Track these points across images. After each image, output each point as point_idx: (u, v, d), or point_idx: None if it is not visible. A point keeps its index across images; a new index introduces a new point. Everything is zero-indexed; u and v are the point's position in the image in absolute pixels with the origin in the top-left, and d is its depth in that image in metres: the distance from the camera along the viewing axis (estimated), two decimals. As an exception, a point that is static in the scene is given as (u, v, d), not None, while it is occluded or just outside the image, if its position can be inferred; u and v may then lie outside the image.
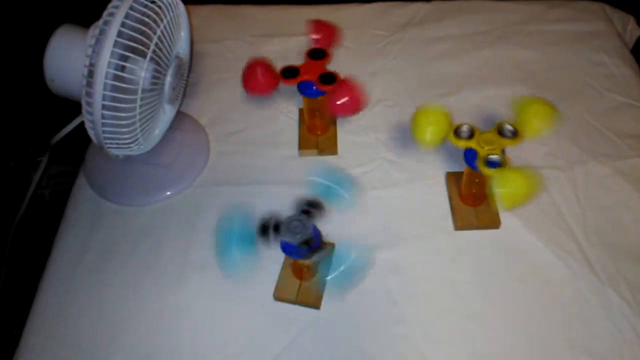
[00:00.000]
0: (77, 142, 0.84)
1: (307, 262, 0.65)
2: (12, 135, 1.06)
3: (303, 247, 0.61)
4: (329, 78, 0.79)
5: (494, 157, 0.68)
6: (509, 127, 0.70)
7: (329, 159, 0.84)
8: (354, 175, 0.81)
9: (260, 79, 0.83)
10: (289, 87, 0.83)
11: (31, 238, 1.01)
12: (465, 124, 0.71)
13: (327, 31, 0.86)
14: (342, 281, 0.63)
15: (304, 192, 0.64)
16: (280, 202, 0.65)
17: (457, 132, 0.71)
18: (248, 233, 0.61)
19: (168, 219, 0.78)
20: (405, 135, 0.85)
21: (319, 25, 0.86)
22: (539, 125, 0.72)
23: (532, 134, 0.71)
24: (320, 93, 0.80)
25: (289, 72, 0.80)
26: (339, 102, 0.79)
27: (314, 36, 0.85)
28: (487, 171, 0.67)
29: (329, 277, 0.62)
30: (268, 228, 0.61)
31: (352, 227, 0.74)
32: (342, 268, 0.62)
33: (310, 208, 0.62)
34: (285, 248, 0.62)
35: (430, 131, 0.72)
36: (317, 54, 0.82)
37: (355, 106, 0.81)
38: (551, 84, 0.91)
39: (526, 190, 0.66)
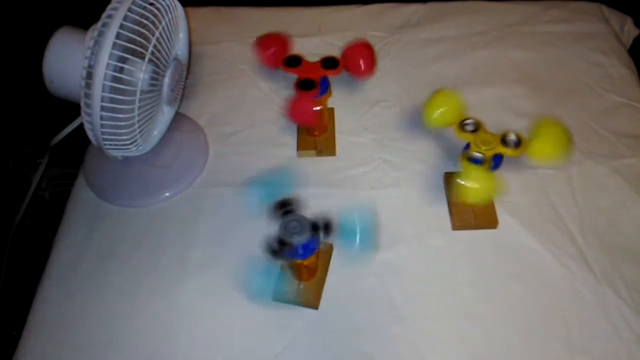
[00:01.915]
0: (76, 143, 0.84)
1: (306, 261, 0.65)
2: (12, 137, 1.06)
3: (316, 235, 0.62)
4: (332, 63, 0.80)
5: (478, 155, 0.69)
6: (514, 138, 0.71)
7: (327, 159, 0.84)
8: (352, 175, 0.81)
9: (268, 55, 0.86)
10: (288, 88, 0.84)
11: (31, 239, 1.01)
12: (473, 118, 0.72)
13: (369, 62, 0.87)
14: (366, 240, 0.64)
15: (316, 197, 0.68)
16: (265, 210, 0.65)
17: (462, 124, 0.71)
18: (268, 268, 0.65)
19: (167, 220, 0.78)
20: (404, 136, 0.85)
21: (367, 52, 0.87)
22: (553, 152, 0.74)
23: (544, 158, 0.74)
24: (318, 95, 0.80)
25: (291, 61, 0.81)
26: (362, 67, 0.84)
27: (360, 60, 0.86)
28: (463, 163, 0.70)
29: (356, 244, 0.63)
30: (276, 249, 0.62)
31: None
32: (358, 232, 0.63)
33: (287, 207, 0.63)
34: (303, 250, 0.62)
35: (440, 111, 0.75)
36: (330, 63, 0.83)
37: (373, 62, 0.86)
38: (548, 84, 0.91)
39: (482, 190, 0.70)
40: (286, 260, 0.63)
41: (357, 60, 0.85)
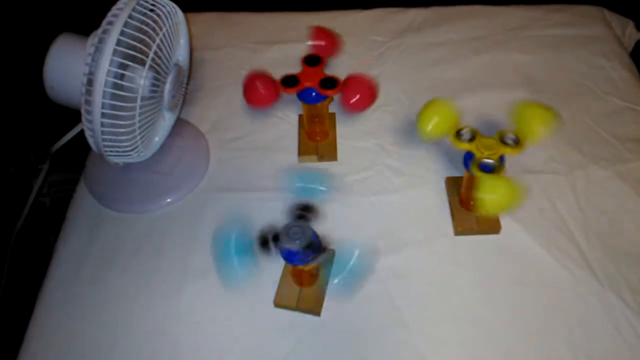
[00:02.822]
0: (77, 149, 0.84)
1: (307, 267, 0.65)
2: (13, 143, 1.06)
3: (307, 251, 0.60)
4: (331, 82, 0.79)
5: (489, 161, 0.68)
6: (512, 136, 0.70)
7: (328, 165, 0.84)
8: (353, 180, 0.81)
9: (261, 92, 0.84)
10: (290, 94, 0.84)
11: (32, 245, 1.01)
12: (468, 126, 0.71)
13: (329, 39, 0.86)
14: (349, 282, 0.63)
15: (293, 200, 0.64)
16: (281, 208, 0.64)
17: (458, 134, 0.71)
18: (246, 243, 0.61)
19: (168, 226, 0.78)
20: (405, 140, 0.85)
21: (321, 32, 0.86)
22: (539, 129, 0.72)
23: (533, 139, 0.71)
24: (319, 99, 0.80)
25: (289, 81, 0.80)
26: (352, 101, 0.81)
27: (316, 43, 0.85)
28: (477, 173, 0.68)
29: (335, 280, 0.62)
30: (267, 240, 0.61)
31: (352, 232, 0.74)
32: (347, 269, 0.62)
33: (303, 212, 0.62)
34: (288, 255, 0.62)
35: (433, 122, 0.73)
36: (313, 60, 0.82)
37: (368, 100, 0.84)
38: (550, 88, 0.91)
39: (505, 199, 0.67)
40: (270, 255, 0.61)
41: (321, 45, 0.85)
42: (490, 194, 0.66)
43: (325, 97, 0.80)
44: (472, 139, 0.70)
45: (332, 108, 0.89)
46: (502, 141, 0.70)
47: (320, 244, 0.63)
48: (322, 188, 0.66)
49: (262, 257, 0.61)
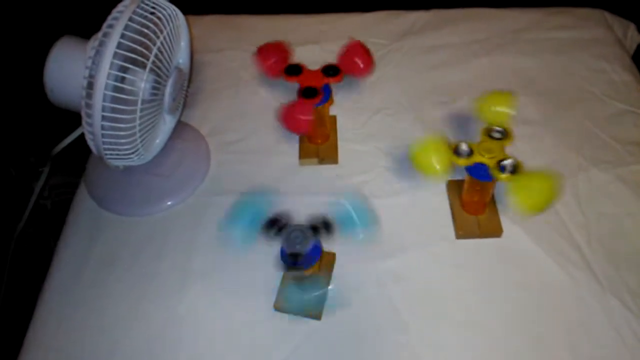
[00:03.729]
0: (78, 152, 0.84)
1: (307, 272, 0.65)
2: (14, 146, 1.06)
3: (290, 258, 0.61)
4: (311, 93, 0.79)
5: (507, 162, 0.68)
6: (497, 128, 0.71)
7: (329, 167, 0.84)
8: (356, 185, 0.81)
9: (270, 65, 0.85)
10: (290, 97, 0.83)
11: (33, 248, 1.01)
12: (462, 142, 0.71)
13: (367, 61, 0.87)
14: (366, 223, 0.63)
15: (318, 205, 0.64)
16: (281, 211, 0.64)
17: (457, 152, 0.70)
18: (257, 221, 0.61)
19: (169, 228, 0.78)
20: (406, 143, 0.85)
21: (361, 50, 0.86)
22: (503, 110, 0.73)
23: (498, 120, 0.72)
24: (320, 102, 0.80)
25: (292, 70, 0.80)
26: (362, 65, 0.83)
27: (356, 61, 0.85)
28: (503, 177, 0.67)
29: (360, 235, 0.62)
30: (274, 225, 0.61)
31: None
32: (355, 222, 0.62)
33: (321, 226, 0.62)
34: (311, 255, 0.62)
35: (436, 161, 0.71)
36: (331, 71, 0.82)
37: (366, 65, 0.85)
38: (551, 92, 0.91)
39: (545, 192, 0.67)
40: (301, 270, 0.62)
41: (354, 60, 0.85)
42: (522, 194, 0.66)
43: (326, 100, 0.80)
44: (471, 152, 0.70)
45: (333, 110, 0.89)
46: (490, 137, 0.70)
47: (319, 226, 0.62)
48: (359, 226, 0.63)
49: (261, 236, 0.62)
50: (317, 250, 0.63)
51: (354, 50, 0.85)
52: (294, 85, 0.82)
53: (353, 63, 0.85)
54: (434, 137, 0.72)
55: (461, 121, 0.87)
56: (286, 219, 0.62)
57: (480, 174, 0.69)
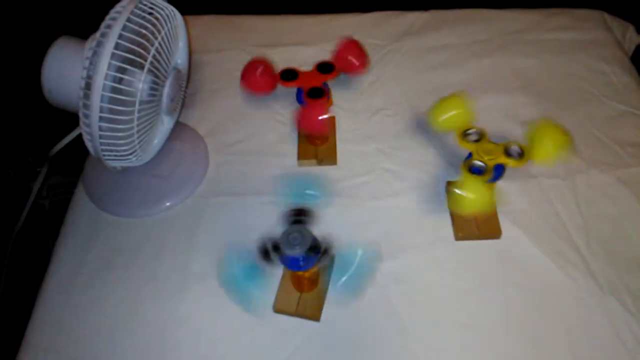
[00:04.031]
0: (77, 152, 0.84)
1: (307, 273, 0.65)
2: (12, 146, 1.06)
3: (309, 256, 0.60)
4: (317, 92, 0.79)
5: (480, 164, 0.69)
6: (517, 149, 0.71)
7: (328, 168, 0.83)
8: (353, 184, 0.81)
9: (259, 78, 0.85)
10: (289, 98, 0.83)
11: (31, 248, 1.00)
12: (476, 127, 0.71)
13: (360, 57, 0.87)
14: (353, 284, 0.63)
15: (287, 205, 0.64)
16: (280, 212, 0.64)
17: (465, 134, 0.71)
18: (252, 266, 0.61)
19: (167, 230, 0.78)
20: (406, 144, 0.85)
21: (353, 47, 0.87)
22: (550, 150, 0.72)
23: (542, 159, 0.72)
24: (306, 103, 0.80)
25: (288, 75, 0.80)
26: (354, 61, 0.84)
27: (350, 59, 0.86)
28: (464, 172, 0.69)
29: (341, 281, 0.62)
30: (268, 250, 0.61)
31: (352, 237, 0.74)
32: (351, 270, 0.61)
33: (299, 216, 0.62)
34: (291, 262, 0.61)
35: (447, 116, 0.74)
36: (326, 68, 0.82)
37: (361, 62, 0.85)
38: (551, 93, 0.91)
39: (477, 202, 0.69)
40: (273, 265, 0.61)
41: (348, 58, 0.85)
42: (466, 191, 0.68)
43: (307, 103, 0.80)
44: (477, 140, 0.70)
45: (332, 111, 0.88)
46: (507, 152, 0.70)
47: (321, 247, 0.62)
48: (314, 192, 0.65)
49: (266, 267, 0.61)
50: (305, 263, 0.62)
51: (347, 48, 0.85)
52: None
53: (347, 61, 0.85)
54: (465, 100, 0.76)
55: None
56: (272, 240, 0.61)
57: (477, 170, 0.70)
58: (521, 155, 0.70)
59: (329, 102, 0.83)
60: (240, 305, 0.64)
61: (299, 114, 0.79)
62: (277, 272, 0.70)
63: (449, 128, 0.76)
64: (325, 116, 0.78)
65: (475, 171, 0.69)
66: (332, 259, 0.64)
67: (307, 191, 0.65)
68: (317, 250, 0.61)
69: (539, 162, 0.75)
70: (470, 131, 0.72)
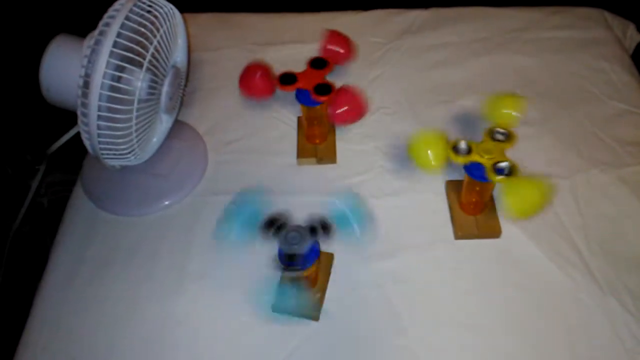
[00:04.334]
0: (76, 149, 0.84)
1: (306, 273, 0.65)
2: (11, 143, 1.06)
3: (286, 259, 0.61)
4: (325, 89, 0.78)
5: (503, 164, 0.68)
6: (500, 130, 0.71)
7: (327, 167, 0.83)
8: (354, 186, 0.80)
9: (258, 82, 0.84)
10: (288, 96, 0.83)
11: (29, 246, 1.00)
12: (460, 139, 0.71)
13: (344, 45, 0.87)
14: (361, 227, 0.63)
15: (316, 205, 0.64)
16: (278, 212, 0.64)
17: (455, 149, 0.70)
18: (254, 218, 0.61)
19: (166, 228, 0.78)
20: (405, 143, 0.84)
21: (337, 37, 0.86)
22: (511, 114, 0.73)
23: (507, 123, 0.72)
24: (318, 102, 0.79)
25: (287, 79, 0.80)
26: (338, 111, 0.79)
27: (332, 48, 0.86)
28: (497, 179, 0.67)
29: (354, 229, 0.62)
30: (272, 225, 0.61)
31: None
32: (351, 221, 0.62)
33: (320, 228, 0.62)
34: (310, 255, 0.62)
35: (432, 155, 0.71)
36: (319, 63, 0.81)
37: (355, 114, 0.82)
38: (551, 91, 0.91)
39: (536, 199, 0.66)
40: (298, 271, 0.62)
41: (333, 49, 0.86)
42: (515, 196, 0.66)
43: (322, 102, 0.80)
44: (469, 150, 0.70)
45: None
46: (493, 138, 0.70)
47: (317, 227, 0.62)
48: (356, 229, 0.63)
49: (260, 235, 0.61)
50: (315, 252, 0.63)
51: (329, 40, 0.86)
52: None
53: (333, 52, 0.85)
54: (433, 131, 0.72)
55: (461, 120, 0.87)
56: (285, 218, 0.62)
57: (478, 174, 0.69)
58: (506, 135, 0.71)
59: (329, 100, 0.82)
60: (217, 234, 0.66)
61: (330, 112, 0.80)
62: (274, 270, 0.70)
63: (495, 119, 0.74)
64: (344, 108, 0.79)
65: (502, 172, 0.68)
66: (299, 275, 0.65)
67: (351, 217, 0.63)
68: (292, 262, 0.61)
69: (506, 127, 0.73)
70: (458, 146, 0.70)
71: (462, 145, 0.70)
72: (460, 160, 0.70)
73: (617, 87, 0.91)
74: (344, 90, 0.80)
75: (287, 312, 0.68)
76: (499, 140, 0.71)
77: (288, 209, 0.63)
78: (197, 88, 0.94)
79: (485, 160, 0.69)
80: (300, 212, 0.64)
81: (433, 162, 0.71)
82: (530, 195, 0.67)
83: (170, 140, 0.82)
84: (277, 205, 0.64)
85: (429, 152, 0.71)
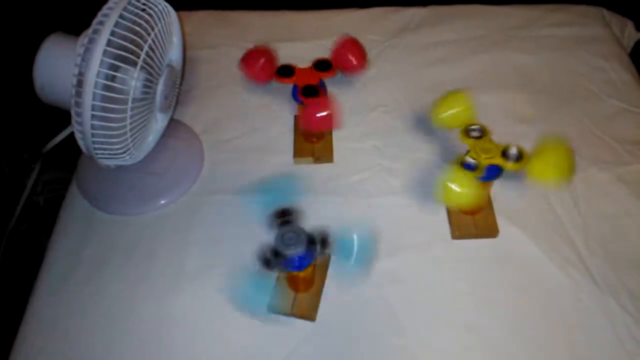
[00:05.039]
0: (72, 148, 0.83)
1: (303, 273, 0.64)
2: (6, 142, 1.05)
3: (311, 248, 0.60)
4: (312, 91, 0.78)
5: (471, 161, 0.68)
6: (515, 152, 0.69)
7: (324, 166, 0.83)
8: (350, 182, 0.80)
9: (259, 66, 0.84)
10: (285, 94, 0.82)
11: (25, 245, 1.00)
12: (479, 124, 0.71)
13: (359, 57, 0.86)
14: (359, 265, 0.63)
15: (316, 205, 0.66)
16: (266, 218, 0.64)
17: (468, 129, 0.70)
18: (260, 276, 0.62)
19: (162, 227, 0.77)
20: (403, 142, 0.84)
21: (353, 46, 0.86)
22: (551, 175, 0.70)
23: (541, 179, 0.71)
24: (301, 102, 0.79)
25: (284, 71, 0.80)
26: (304, 116, 0.79)
27: (350, 58, 0.85)
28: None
29: (350, 265, 0.62)
30: (269, 259, 0.60)
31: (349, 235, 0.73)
32: (353, 255, 0.62)
33: (284, 218, 0.62)
34: (291, 263, 0.61)
35: (449, 113, 0.74)
36: (322, 66, 0.81)
37: (320, 124, 0.80)
38: (549, 89, 0.90)
39: (463, 195, 0.67)
40: (278, 270, 0.62)
41: (347, 56, 0.85)
42: (453, 183, 0.67)
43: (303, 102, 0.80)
44: (479, 137, 0.70)
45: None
46: (504, 154, 0.69)
47: (316, 238, 0.62)
48: (288, 190, 0.65)
49: (271, 274, 0.62)
50: (303, 260, 0.62)
51: (347, 46, 0.85)
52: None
53: (346, 59, 0.84)
54: (467, 96, 0.75)
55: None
56: (295, 216, 0.62)
57: (467, 165, 0.70)
58: (519, 159, 0.69)
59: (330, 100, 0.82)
60: (255, 315, 0.66)
61: (303, 116, 0.79)
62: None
63: (450, 125, 0.76)
64: (323, 113, 0.77)
65: (466, 167, 0.69)
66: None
67: (281, 194, 0.65)
68: (314, 242, 0.61)
69: (536, 180, 0.72)
70: (473, 127, 0.72)
71: (476, 128, 0.72)
72: (463, 140, 0.71)
73: (616, 85, 0.91)
74: (321, 98, 0.80)
75: (282, 312, 0.68)
76: (475, 137, 0.71)
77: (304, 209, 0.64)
78: (193, 86, 0.94)
79: (483, 160, 0.69)
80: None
81: (442, 117, 0.75)
82: (556, 162, 0.68)
83: (166, 139, 0.82)
84: (275, 205, 0.64)
85: (449, 110, 0.75)
